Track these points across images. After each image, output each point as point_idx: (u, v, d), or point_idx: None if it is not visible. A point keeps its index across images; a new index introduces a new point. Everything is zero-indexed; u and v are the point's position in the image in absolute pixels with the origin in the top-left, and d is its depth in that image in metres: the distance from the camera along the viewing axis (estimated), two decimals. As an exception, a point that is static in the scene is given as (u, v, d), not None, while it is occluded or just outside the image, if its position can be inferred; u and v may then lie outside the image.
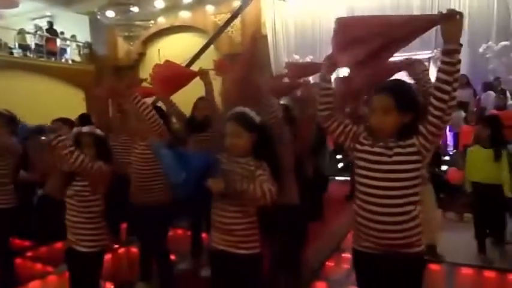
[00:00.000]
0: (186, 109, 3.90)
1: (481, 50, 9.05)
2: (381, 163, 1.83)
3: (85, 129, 2.61)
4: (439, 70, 1.72)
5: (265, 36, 11.49)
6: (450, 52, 1.69)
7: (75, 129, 2.68)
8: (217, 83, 3.66)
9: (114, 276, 3.59)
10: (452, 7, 10.12)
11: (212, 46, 10.62)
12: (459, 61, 1.70)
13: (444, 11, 1.70)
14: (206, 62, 10.06)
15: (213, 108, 3.58)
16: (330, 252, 4.08)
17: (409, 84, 1.91)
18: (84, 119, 4.57)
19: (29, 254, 4.35)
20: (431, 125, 1.77)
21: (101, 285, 2.74)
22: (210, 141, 3.56)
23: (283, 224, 2.92)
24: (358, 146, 1.93)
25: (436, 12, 1.78)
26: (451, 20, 1.68)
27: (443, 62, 1.71)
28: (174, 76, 3.66)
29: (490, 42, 9.09)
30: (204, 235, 3.85)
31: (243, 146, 2.10)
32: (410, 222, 1.81)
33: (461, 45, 1.71)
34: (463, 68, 2.79)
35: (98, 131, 2.63)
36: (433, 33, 8.76)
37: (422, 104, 1.93)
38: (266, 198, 1.95)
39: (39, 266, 4.04)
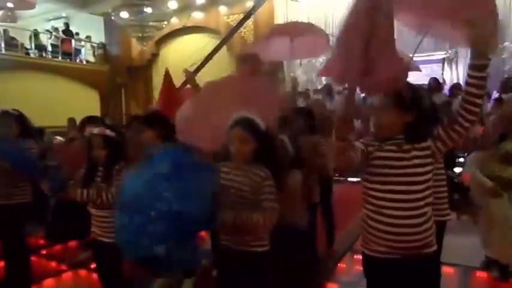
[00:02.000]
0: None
1: (497, 50, 8.91)
2: (398, 167, 1.82)
3: (95, 130, 2.63)
4: (469, 84, 1.70)
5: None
6: (481, 68, 1.67)
7: (88, 130, 2.70)
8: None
9: (126, 272, 3.61)
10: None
11: (225, 47, 10.64)
12: (488, 74, 1.69)
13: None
14: (219, 62, 10.17)
15: None
16: (342, 254, 4.06)
17: (412, 84, 1.90)
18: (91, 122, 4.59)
19: (44, 252, 4.41)
20: (456, 133, 1.77)
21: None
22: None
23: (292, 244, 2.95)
24: (371, 155, 1.90)
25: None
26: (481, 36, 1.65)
27: (473, 77, 1.69)
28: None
29: (506, 43, 8.94)
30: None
31: (249, 152, 2.09)
32: (427, 223, 1.83)
33: (489, 59, 1.69)
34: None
35: (108, 132, 2.63)
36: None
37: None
38: (266, 227, 2.04)
39: (53, 264, 4.10)
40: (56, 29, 14.09)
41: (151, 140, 2.68)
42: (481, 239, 3.56)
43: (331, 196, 4.27)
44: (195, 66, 9.49)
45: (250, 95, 2.36)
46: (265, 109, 2.23)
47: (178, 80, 8.92)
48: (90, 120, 4.24)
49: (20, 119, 3.36)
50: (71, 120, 7.79)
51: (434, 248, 1.88)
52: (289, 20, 11.48)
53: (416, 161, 1.81)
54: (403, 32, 2.09)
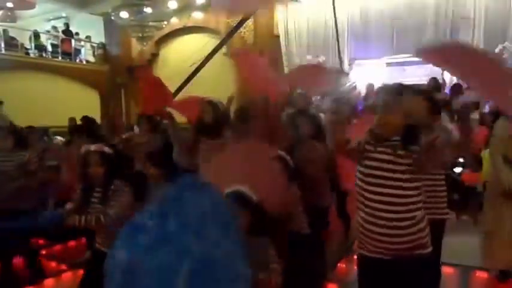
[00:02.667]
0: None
1: (497, 50, 8.91)
2: (393, 171, 1.84)
3: (93, 147, 2.60)
4: None
5: (278, 37, 11.48)
6: None
7: (83, 148, 2.65)
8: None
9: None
10: (468, 7, 9.93)
11: (225, 47, 10.64)
12: None
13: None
14: (219, 62, 10.16)
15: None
16: (341, 254, 4.06)
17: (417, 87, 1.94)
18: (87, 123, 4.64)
19: (43, 252, 4.41)
20: (425, 172, 1.90)
21: None
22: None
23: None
24: (365, 154, 1.92)
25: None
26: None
27: None
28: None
29: (506, 43, 8.95)
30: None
31: (244, 224, 2.10)
32: (420, 223, 1.85)
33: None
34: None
35: (106, 149, 2.60)
36: (447, 35, 8.71)
37: None
38: (273, 285, 2.00)
39: (53, 264, 4.10)
40: (56, 28, 14.08)
41: (155, 178, 2.67)
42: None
43: (345, 201, 4.23)
44: (195, 66, 9.50)
45: (250, 168, 2.40)
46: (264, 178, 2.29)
47: (178, 80, 8.95)
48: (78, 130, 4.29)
49: (13, 131, 3.40)
50: (72, 120, 7.82)
51: (429, 249, 1.89)
52: (289, 20, 11.56)
53: (410, 167, 1.84)
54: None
